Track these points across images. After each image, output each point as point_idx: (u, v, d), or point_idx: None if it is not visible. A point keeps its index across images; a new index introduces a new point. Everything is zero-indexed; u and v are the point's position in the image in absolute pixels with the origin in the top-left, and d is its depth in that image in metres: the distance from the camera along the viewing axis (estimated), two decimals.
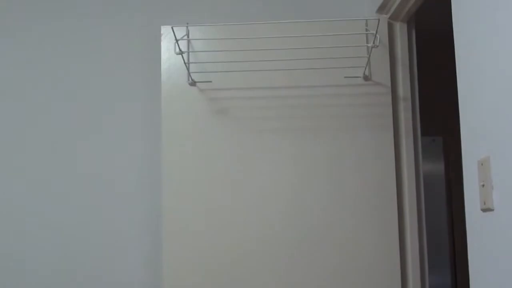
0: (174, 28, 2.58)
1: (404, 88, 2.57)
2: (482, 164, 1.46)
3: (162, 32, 2.61)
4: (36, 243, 2.65)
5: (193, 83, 2.56)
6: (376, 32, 2.20)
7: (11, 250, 2.65)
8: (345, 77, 2.53)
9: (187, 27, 2.59)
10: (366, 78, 2.52)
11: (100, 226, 2.65)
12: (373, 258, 2.43)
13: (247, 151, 2.51)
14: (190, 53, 2.58)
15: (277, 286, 2.43)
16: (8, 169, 2.70)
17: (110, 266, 2.63)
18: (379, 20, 2.25)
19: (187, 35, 2.58)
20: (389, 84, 2.52)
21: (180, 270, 2.46)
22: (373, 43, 2.24)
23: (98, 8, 2.79)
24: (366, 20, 2.53)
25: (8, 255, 2.65)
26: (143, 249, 2.63)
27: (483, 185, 1.46)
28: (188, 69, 2.52)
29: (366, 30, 2.51)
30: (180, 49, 2.31)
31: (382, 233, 2.44)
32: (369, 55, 2.45)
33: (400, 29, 2.59)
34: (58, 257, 2.63)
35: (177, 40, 2.27)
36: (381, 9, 2.55)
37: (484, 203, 1.45)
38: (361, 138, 2.49)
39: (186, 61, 2.55)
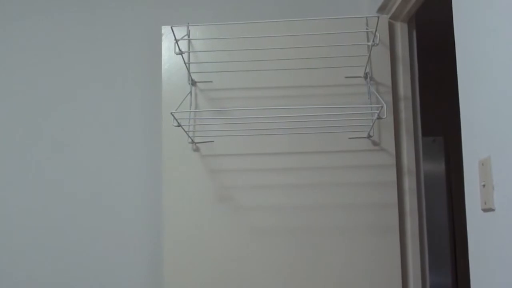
0: (175, 28, 2.58)
1: (404, 87, 2.57)
2: (483, 164, 1.46)
3: (163, 32, 2.61)
4: (36, 243, 2.64)
5: (193, 83, 2.56)
6: (376, 30, 2.20)
7: (11, 250, 2.65)
8: (346, 77, 2.53)
9: (187, 27, 2.59)
10: (366, 77, 2.51)
11: (101, 227, 2.65)
12: (374, 258, 2.43)
13: (247, 151, 2.51)
14: (190, 53, 2.58)
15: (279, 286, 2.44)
16: (7, 169, 2.70)
17: (110, 267, 2.63)
18: (378, 17, 2.25)
19: (188, 35, 2.58)
20: (390, 84, 2.52)
21: (181, 270, 2.46)
22: (373, 41, 2.24)
23: (99, 8, 2.79)
24: (366, 18, 2.53)
25: (8, 254, 2.65)
26: (143, 249, 2.63)
27: (484, 185, 1.46)
28: (188, 69, 2.52)
29: (366, 29, 2.51)
30: (180, 49, 2.31)
31: (383, 232, 2.44)
32: (369, 54, 2.45)
33: (401, 29, 2.59)
34: (58, 257, 2.63)
35: (176, 40, 2.27)
36: (382, 9, 2.55)
37: (485, 203, 1.45)
38: (361, 138, 2.49)
39: (186, 61, 2.55)
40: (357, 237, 2.45)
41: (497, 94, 1.40)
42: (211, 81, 2.56)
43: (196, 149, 2.53)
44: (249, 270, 2.45)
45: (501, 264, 1.38)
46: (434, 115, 4.37)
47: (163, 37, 2.60)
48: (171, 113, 2.19)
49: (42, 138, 2.71)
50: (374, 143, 2.49)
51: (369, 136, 2.48)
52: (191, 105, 2.54)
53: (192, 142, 2.52)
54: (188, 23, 2.61)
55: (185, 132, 2.44)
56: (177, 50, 2.52)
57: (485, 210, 1.47)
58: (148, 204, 2.66)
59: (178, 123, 2.27)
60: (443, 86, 4.41)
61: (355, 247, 2.44)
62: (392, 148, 2.49)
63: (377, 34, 2.31)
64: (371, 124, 2.43)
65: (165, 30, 2.61)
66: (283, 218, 2.47)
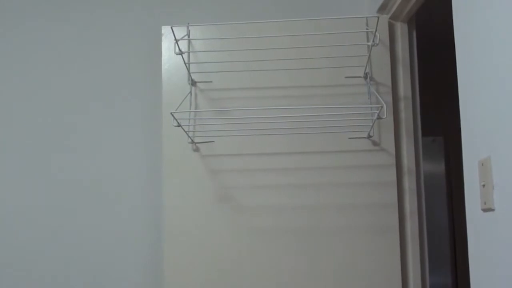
0: (175, 28, 2.58)
1: (404, 87, 2.57)
2: (482, 164, 1.46)
3: (163, 32, 2.61)
4: (36, 242, 2.64)
5: (193, 83, 2.56)
6: (376, 30, 2.20)
7: (11, 249, 2.65)
8: (346, 77, 2.53)
9: (187, 27, 2.59)
10: (366, 77, 2.51)
11: (101, 227, 2.65)
12: (374, 258, 2.43)
13: (247, 151, 2.51)
14: (190, 53, 2.58)
15: (278, 282, 2.44)
16: (7, 168, 2.70)
17: (110, 267, 2.63)
18: (378, 18, 2.25)
19: (188, 35, 2.58)
20: (390, 84, 2.52)
21: (181, 270, 2.46)
22: (373, 41, 2.24)
23: (99, 8, 2.79)
24: (366, 18, 2.53)
25: (8, 253, 2.65)
26: (143, 249, 2.63)
27: (483, 185, 1.46)
28: (188, 69, 2.52)
29: (366, 29, 2.51)
30: (180, 49, 2.31)
31: (383, 232, 2.44)
32: (369, 54, 2.45)
33: (401, 29, 2.59)
34: (57, 257, 2.63)
35: (176, 40, 2.27)
36: (382, 9, 2.55)
37: (485, 203, 1.45)
38: (362, 138, 2.49)
39: (186, 61, 2.55)
40: (357, 237, 2.45)
41: (497, 94, 1.40)
42: (211, 81, 2.56)
43: (196, 149, 2.53)
44: (250, 270, 2.45)
45: (501, 264, 1.38)
46: (434, 115, 4.36)
47: (163, 37, 2.60)
48: (171, 113, 2.19)
49: (42, 138, 2.71)
50: (374, 143, 2.49)
51: (369, 136, 2.48)
52: (191, 105, 2.54)
53: (192, 142, 2.52)
54: (188, 23, 2.61)
55: (185, 132, 2.44)
56: (177, 50, 2.52)
57: (485, 210, 1.47)
58: (149, 204, 2.66)
59: (178, 123, 2.27)
60: (443, 86, 4.41)
61: (355, 247, 2.44)
62: (392, 148, 2.49)
63: (377, 34, 2.31)
64: (371, 124, 2.43)
65: (165, 30, 2.61)
66: (283, 218, 2.47)
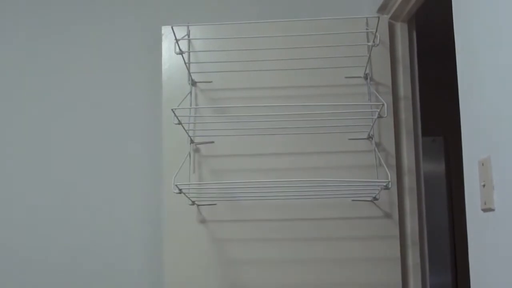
0: (175, 28, 2.58)
1: (404, 88, 2.57)
2: (482, 164, 1.46)
3: (163, 32, 2.61)
4: (35, 242, 2.64)
5: (193, 83, 2.56)
6: (376, 30, 2.20)
7: (12, 248, 2.65)
8: (346, 77, 2.53)
9: (187, 27, 2.59)
10: (366, 77, 2.52)
11: (101, 227, 2.65)
12: (373, 258, 2.43)
13: (247, 151, 2.51)
14: (191, 53, 2.58)
15: (283, 274, 2.44)
16: (8, 168, 2.70)
17: (109, 267, 2.62)
18: (378, 18, 2.26)
19: (188, 35, 2.58)
20: (390, 84, 2.52)
21: (181, 270, 2.47)
22: (373, 41, 2.24)
23: (99, 8, 2.79)
24: (367, 19, 2.53)
25: (9, 253, 2.65)
26: (143, 249, 2.63)
27: (484, 185, 1.46)
28: (188, 69, 2.52)
29: (367, 29, 2.52)
30: (180, 49, 2.31)
31: (382, 233, 2.44)
32: (370, 54, 2.45)
33: (401, 29, 2.59)
34: (57, 256, 2.63)
35: (177, 40, 2.27)
36: (382, 9, 2.55)
37: (485, 203, 1.45)
38: (362, 138, 2.49)
39: (186, 61, 2.54)
40: (357, 237, 2.44)
41: (497, 94, 1.40)
42: (211, 81, 2.56)
43: (196, 150, 2.53)
44: (250, 269, 2.45)
45: (501, 264, 1.38)
46: (434, 115, 4.37)
47: (163, 37, 2.60)
48: (172, 109, 2.18)
49: (42, 138, 2.71)
50: (374, 143, 2.49)
51: (369, 137, 2.48)
52: (191, 105, 2.54)
53: (192, 142, 2.52)
54: (188, 23, 2.61)
55: (185, 130, 2.44)
56: (177, 50, 2.52)
57: (485, 210, 1.47)
58: (149, 204, 2.66)
59: (179, 120, 2.27)
60: (443, 86, 4.41)
61: (355, 246, 2.44)
62: (392, 148, 2.49)
63: (377, 34, 2.31)
64: (371, 124, 2.43)
65: (165, 30, 2.61)
66: (283, 215, 2.47)
